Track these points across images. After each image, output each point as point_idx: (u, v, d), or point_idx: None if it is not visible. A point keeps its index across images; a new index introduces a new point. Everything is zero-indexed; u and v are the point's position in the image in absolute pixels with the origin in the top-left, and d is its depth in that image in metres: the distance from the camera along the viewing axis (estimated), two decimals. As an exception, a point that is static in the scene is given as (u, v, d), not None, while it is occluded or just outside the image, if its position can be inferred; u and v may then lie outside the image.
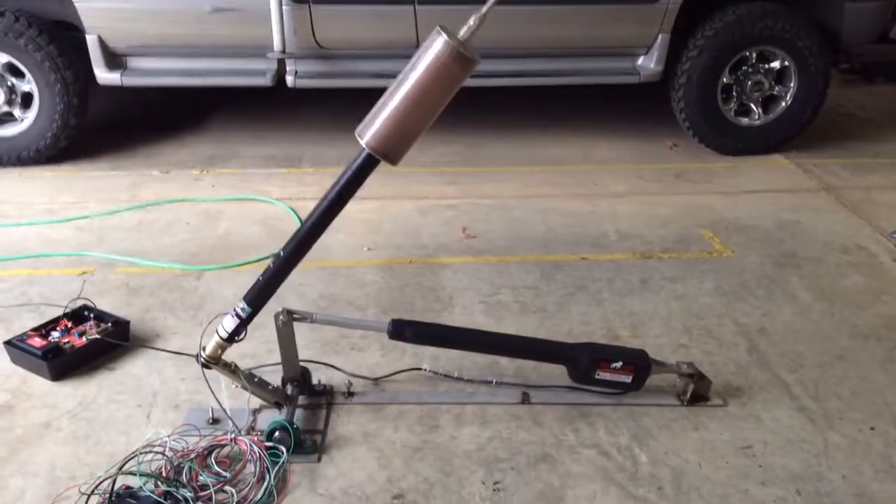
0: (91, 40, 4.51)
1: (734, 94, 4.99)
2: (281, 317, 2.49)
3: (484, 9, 2.06)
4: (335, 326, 2.96)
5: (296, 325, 2.52)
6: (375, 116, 2.12)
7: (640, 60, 4.91)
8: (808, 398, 2.75)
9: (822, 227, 4.09)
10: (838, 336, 3.13)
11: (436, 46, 2.04)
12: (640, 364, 2.63)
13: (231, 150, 5.05)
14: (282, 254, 2.36)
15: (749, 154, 5.07)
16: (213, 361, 2.46)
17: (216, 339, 2.43)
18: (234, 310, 2.41)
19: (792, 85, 4.96)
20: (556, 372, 2.76)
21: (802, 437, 2.56)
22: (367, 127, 2.13)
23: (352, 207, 4.07)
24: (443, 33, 2.04)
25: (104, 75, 4.59)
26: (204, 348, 2.46)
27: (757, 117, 5.04)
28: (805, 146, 5.16)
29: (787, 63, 4.91)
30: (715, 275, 3.58)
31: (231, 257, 3.65)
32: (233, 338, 2.43)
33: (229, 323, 2.41)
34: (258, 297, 2.40)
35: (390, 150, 2.14)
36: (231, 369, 2.52)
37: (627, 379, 2.63)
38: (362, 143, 2.14)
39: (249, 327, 2.49)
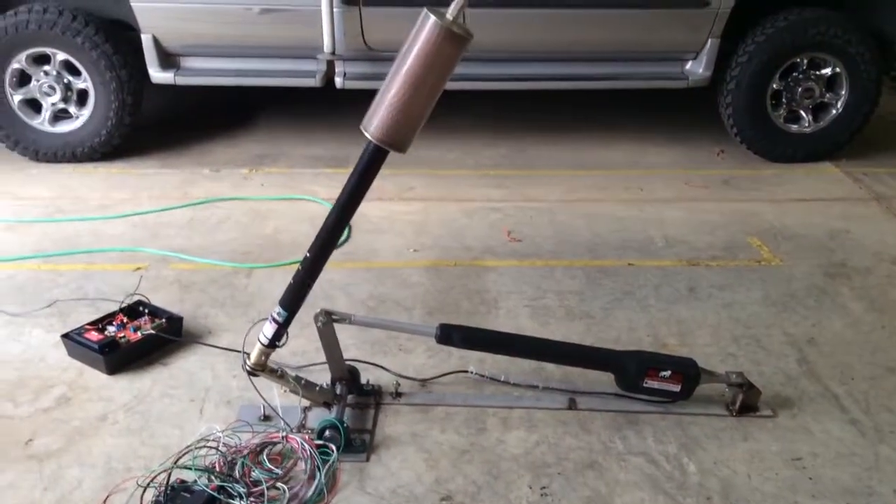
0: (146, 39, 4.60)
1: (784, 100, 4.93)
2: (320, 318, 2.51)
3: None
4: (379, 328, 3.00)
5: (345, 324, 2.55)
6: (378, 107, 2.13)
7: (689, 65, 4.89)
8: (858, 411, 2.72)
9: (872, 237, 4.04)
10: (889, 348, 3.10)
11: (426, 29, 2.05)
12: (688, 373, 2.62)
13: (279, 149, 5.12)
14: (308, 255, 2.38)
15: (798, 161, 5.02)
16: (259, 368, 2.49)
17: (258, 346, 2.46)
18: (272, 315, 2.43)
19: (843, 92, 4.90)
20: (602, 378, 2.76)
21: (853, 450, 2.54)
22: (371, 118, 2.14)
23: (398, 209, 4.23)
24: (431, 15, 2.04)
25: (158, 74, 4.68)
26: (248, 356, 2.49)
27: (807, 124, 4.98)
28: (855, 154, 5.09)
29: (838, 70, 4.85)
30: (763, 283, 3.55)
31: (280, 256, 3.70)
32: (274, 343, 2.45)
33: (269, 329, 2.43)
34: (292, 300, 2.41)
35: (396, 138, 2.14)
36: (278, 375, 2.55)
37: (676, 388, 2.62)
38: (368, 135, 2.15)
39: (298, 326, 2.53)
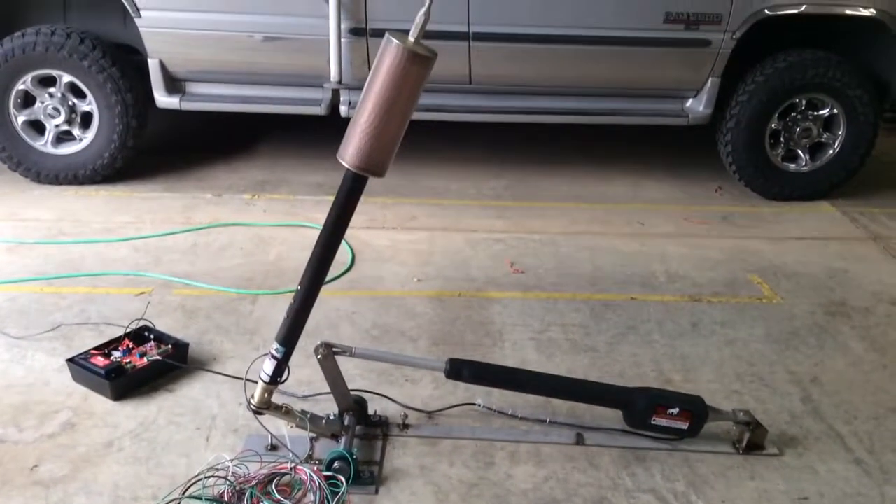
0: (153, 64, 4.62)
1: (782, 139, 4.99)
2: (321, 350, 2.50)
3: (426, 5, 2.08)
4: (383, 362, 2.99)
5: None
6: (351, 134, 2.14)
7: (689, 103, 4.95)
8: (863, 451, 2.74)
9: (870, 277, 4.07)
10: (892, 388, 3.12)
11: (390, 53, 2.07)
12: (696, 411, 2.64)
13: (281, 176, 5.13)
14: (300, 287, 2.37)
15: (795, 200, 5.07)
16: (264, 406, 2.48)
17: (260, 383, 2.45)
18: (270, 352, 2.42)
19: (840, 133, 4.96)
20: (609, 414, 2.77)
21: (859, 490, 2.55)
22: (346, 146, 2.15)
23: (403, 238, 4.25)
24: (393, 39, 2.06)
25: (163, 99, 4.70)
26: (253, 395, 2.48)
27: (804, 163, 5.04)
28: (851, 194, 5.15)
29: (836, 111, 4.91)
30: (765, 321, 3.58)
31: (284, 283, 3.70)
32: (275, 379, 2.44)
33: (269, 366, 2.42)
34: (288, 334, 2.40)
35: (372, 164, 2.16)
36: (284, 411, 2.53)
37: (684, 425, 2.63)
38: (345, 163, 2.16)
39: (303, 355, 2.52)
